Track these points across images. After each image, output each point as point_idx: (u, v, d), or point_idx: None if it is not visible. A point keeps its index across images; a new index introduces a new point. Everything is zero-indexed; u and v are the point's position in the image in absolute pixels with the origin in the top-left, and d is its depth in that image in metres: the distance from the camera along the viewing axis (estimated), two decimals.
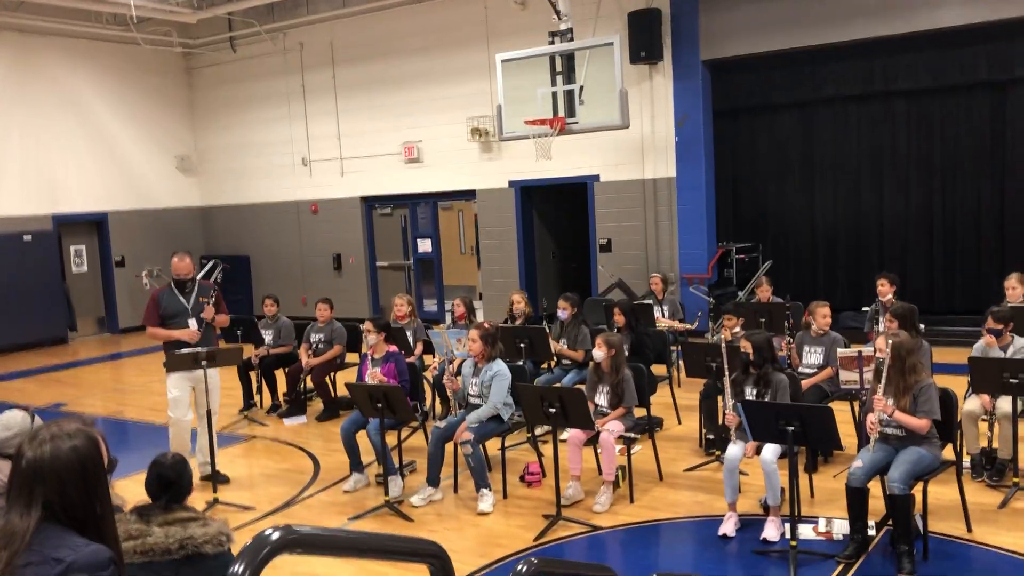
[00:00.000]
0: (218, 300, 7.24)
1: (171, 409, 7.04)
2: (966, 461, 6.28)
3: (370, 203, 15.64)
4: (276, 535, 1.15)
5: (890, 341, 5.21)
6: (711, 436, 7.20)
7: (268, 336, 9.64)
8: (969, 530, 5.41)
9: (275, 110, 16.14)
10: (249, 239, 16.99)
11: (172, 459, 3.62)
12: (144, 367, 12.73)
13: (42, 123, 15.15)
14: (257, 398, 9.72)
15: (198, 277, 7.44)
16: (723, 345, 6.02)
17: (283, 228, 16.48)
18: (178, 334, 6.93)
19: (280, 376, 9.52)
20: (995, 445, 6.35)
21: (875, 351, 5.28)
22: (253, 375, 9.61)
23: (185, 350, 6.69)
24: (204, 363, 6.51)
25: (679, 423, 8.18)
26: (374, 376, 6.83)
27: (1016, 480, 5.97)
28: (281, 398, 9.54)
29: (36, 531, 1.96)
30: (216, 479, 6.90)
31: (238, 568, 1.09)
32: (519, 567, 1.73)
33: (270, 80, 16.11)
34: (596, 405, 6.49)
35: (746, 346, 5.91)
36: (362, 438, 6.87)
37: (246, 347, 9.04)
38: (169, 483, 3.52)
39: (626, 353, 7.17)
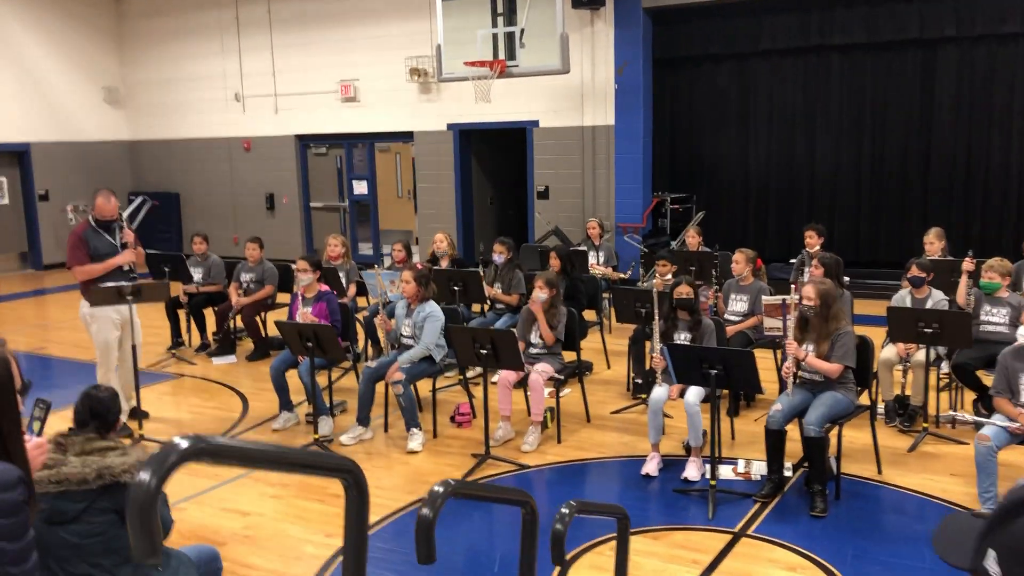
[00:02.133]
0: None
1: (102, 357, 6.74)
2: (880, 407, 6.53)
3: (305, 142, 15.34)
4: (185, 443, 1.15)
5: (820, 288, 5.35)
6: (639, 380, 7.34)
7: (197, 274, 9.46)
8: (879, 472, 5.65)
9: (208, 43, 15.63)
10: (179, 175, 16.55)
11: (105, 391, 3.57)
12: (69, 303, 12.38)
13: None
14: (185, 336, 9.57)
15: (124, 215, 7.19)
16: (654, 291, 6.12)
17: (214, 165, 16.08)
18: (116, 260, 6.53)
19: (209, 315, 9.38)
20: (908, 392, 6.61)
21: (800, 298, 5.41)
22: (181, 313, 9.45)
23: (109, 283, 6.50)
24: (130, 298, 6.36)
25: (608, 367, 8.31)
26: (304, 316, 6.77)
27: (926, 425, 6.24)
28: (210, 337, 9.41)
29: None
30: (139, 415, 6.81)
31: (145, 475, 1.08)
32: (435, 487, 1.75)
33: (203, 12, 15.57)
34: (530, 343, 6.55)
35: (684, 290, 6.01)
36: (292, 378, 6.84)
37: (174, 285, 8.86)
38: (99, 414, 3.48)
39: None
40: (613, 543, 4.69)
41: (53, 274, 15.15)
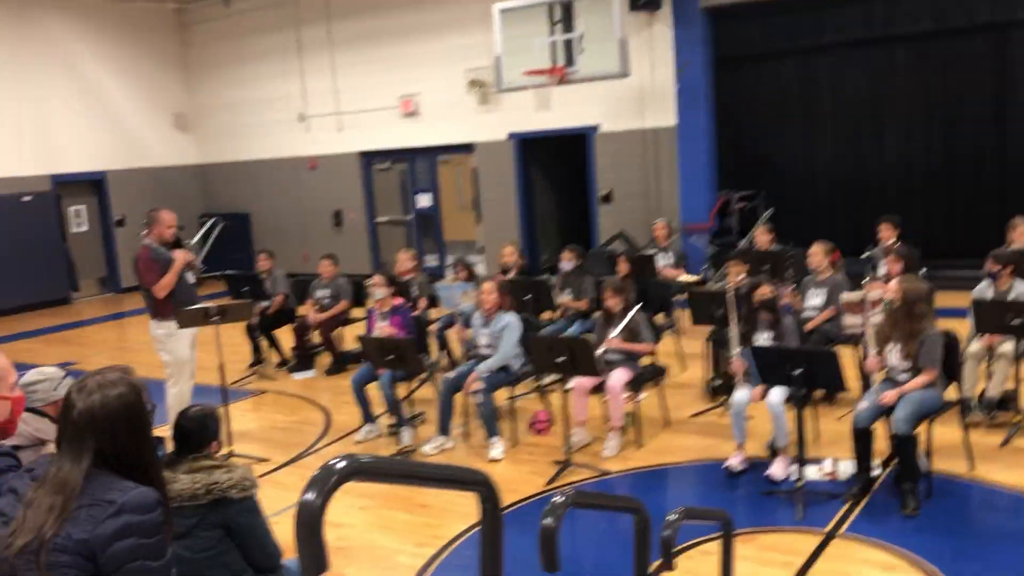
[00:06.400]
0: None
1: (176, 372, 6.94)
2: (974, 402, 6.39)
3: (368, 158, 15.59)
4: (343, 463, 1.22)
5: (903, 285, 5.27)
6: (718, 382, 7.29)
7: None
8: (972, 468, 5.53)
9: (271, 66, 16.00)
10: (248, 196, 16.95)
11: (194, 413, 3.67)
12: (148, 326, 12.78)
13: (38, 84, 15.02)
14: (268, 354, 9.79)
15: (197, 236, 7.44)
16: (730, 293, 6.08)
17: (282, 185, 16.44)
18: (179, 261, 6.66)
19: (283, 332, 9.58)
20: (991, 384, 6.45)
21: (884, 292, 5.34)
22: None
23: (196, 306, 6.72)
24: (216, 318, 6.55)
25: (683, 371, 8.27)
26: (382, 330, 6.90)
27: (1017, 419, 6.08)
28: (288, 353, 9.61)
29: (87, 477, 2.03)
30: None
31: (310, 495, 1.15)
32: (555, 498, 1.80)
33: (265, 36, 15.95)
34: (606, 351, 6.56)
35: (766, 291, 5.98)
36: (372, 390, 6.97)
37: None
38: (190, 436, 3.60)
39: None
40: (701, 547, 4.70)
41: (132, 297, 15.60)
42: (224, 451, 6.63)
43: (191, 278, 6.95)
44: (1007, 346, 6.15)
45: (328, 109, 15.52)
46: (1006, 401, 6.30)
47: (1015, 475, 5.43)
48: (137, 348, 11.49)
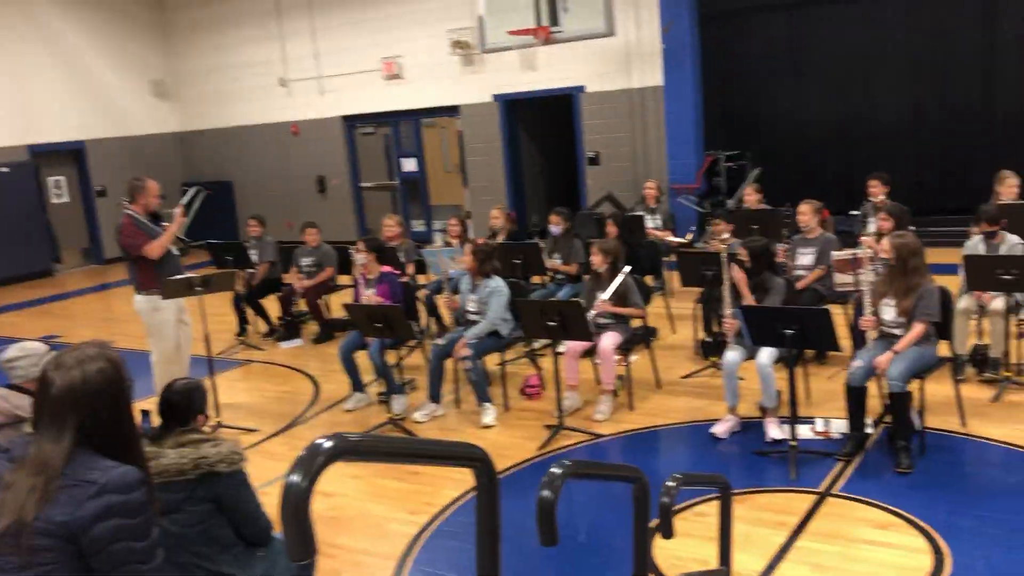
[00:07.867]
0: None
1: (165, 350, 6.85)
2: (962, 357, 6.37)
3: (351, 122, 15.37)
4: (329, 443, 1.14)
5: (895, 242, 5.22)
6: (709, 340, 7.25)
7: (254, 256, 9.53)
8: (963, 424, 5.53)
9: (249, 30, 15.69)
10: (230, 164, 16.71)
11: (180, 387, 3.60)
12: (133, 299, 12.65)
13: (12, 53, 14.70)
14: (253, 323, 9.69)
15: (182, 202, 7.30)
16: (724, 255, 6.01)
17: (264, 151, 16.20)
18: (174, 227, 6.61)
19: (270, 301, 9.48)
20: (986, 342, 6.44)
21: (875, 253, 5.29)
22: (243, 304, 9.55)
23: (179, 276, 6.62)
24: (199, 288, 6.45)
25: (673, 332, 8.24)
26: (369, 298, 6.81)
27: (1008, 374, 6.08)
28: (276, 322, 9.52)
29: (68, 456, 1.95)
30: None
31: (295, 477, 1.08)
32: (553, 469, 1.74)
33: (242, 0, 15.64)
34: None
35: (742, 253, 5.92)
36: (360, 358, 6.90)
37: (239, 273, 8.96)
38: (174, 407, 3.53)
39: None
40: (696, 508, 4.69)
41: (115, 268, 15.44)
42: (212, 422, 6.60)
43: (174, 249, 6.83)
44: (998, 302, 6.12)
45: (309, 73, 15.26)
46: (996, 357, 6.28)
47: (1006, 430, 5.43)
48: (123, 319, 11.36)
